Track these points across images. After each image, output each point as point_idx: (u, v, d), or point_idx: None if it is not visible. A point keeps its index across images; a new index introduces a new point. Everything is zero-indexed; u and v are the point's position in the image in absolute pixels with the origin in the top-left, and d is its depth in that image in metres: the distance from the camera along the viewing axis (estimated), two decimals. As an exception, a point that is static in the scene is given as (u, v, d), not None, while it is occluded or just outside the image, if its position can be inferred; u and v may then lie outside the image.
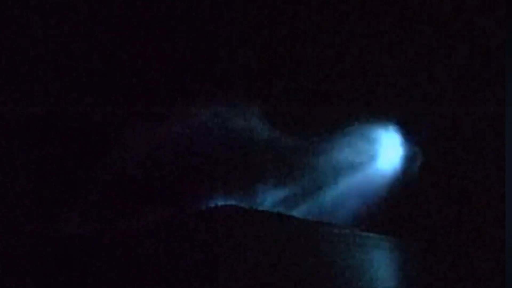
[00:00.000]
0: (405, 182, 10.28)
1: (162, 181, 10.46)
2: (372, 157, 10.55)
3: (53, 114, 10.50)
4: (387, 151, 10.56)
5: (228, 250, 8.74)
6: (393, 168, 10.43)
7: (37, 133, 10.40)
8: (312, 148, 10.51)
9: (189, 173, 10.48)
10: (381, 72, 10.67)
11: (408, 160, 10.42)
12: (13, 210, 9.74)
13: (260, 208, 10.52)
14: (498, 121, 9.48)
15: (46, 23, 10.73)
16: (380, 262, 8.79)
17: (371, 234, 9.75)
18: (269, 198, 10.58)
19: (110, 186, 10.36)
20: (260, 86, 10.79)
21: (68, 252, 8.93)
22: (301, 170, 10.54)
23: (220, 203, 10.43)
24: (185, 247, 8.89)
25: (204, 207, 10.37)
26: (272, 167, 10.56)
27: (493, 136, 9.83)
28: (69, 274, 8.03)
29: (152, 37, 10.85)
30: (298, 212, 10.55)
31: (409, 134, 10.47)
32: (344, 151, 10.50)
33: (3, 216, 9.65)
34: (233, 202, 10.47)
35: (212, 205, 10.41)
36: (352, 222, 10.29)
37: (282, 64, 10.90)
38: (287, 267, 8.22)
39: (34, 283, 7.80)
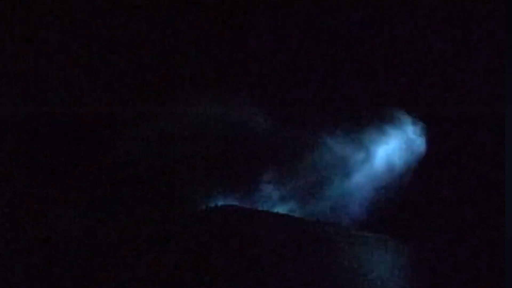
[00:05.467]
0: (406, 182, 10.29)
1: (162, 180, 10.45)
2: (373, 157, 10.55)
3: (51, 114, 10.50)
4: (388, 150, 10.56)
5: (228, 250, 8.73)
6: (394, 168, 10.44)
7: (34, 133, 10.40)
8: (313, 148, 10.50)
9: (189, 173, 10.48)
10: (383, 71, 10.68)
11: (409, 160, 10.42)
12: (9, 209, 9.73)
13: (260, 208, 10.51)
14: (498, 121, 9.49)
15: (46, 23, 10.74)
16: (381, 262, 8.78)
17: (371, 234, 9.75)
18: (270, 198, 10.58)
19: (109, 185, 10.35)
20: (261, 85, 10.80)
21: (67, 251, 8.91)
22: (301, 170, 10.53)
23: (220, 203, 10.42)
24: (185, 247, 8.87)
25: (204, 207, 10.37)
26: (272, 167, 10.56)
27: (493, 136, 9.84)
28: (66, 273, 8.02)
29: (152, 36, 10.87)
30: (298, 212, 10.55)
31: (410, 134, 10.47)
32: (345, 151, 10.50)
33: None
34: (233, 202, 10.46)
35: (212, 205, 10.40)
36: (353, 222, 10.29)
37: (283, 62, 10.92)
38: (288, 267, 8.21)
39: (28, 283, 7.79)
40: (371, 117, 10.44)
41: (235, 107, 10.52)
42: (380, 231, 9.84)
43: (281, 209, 10.55)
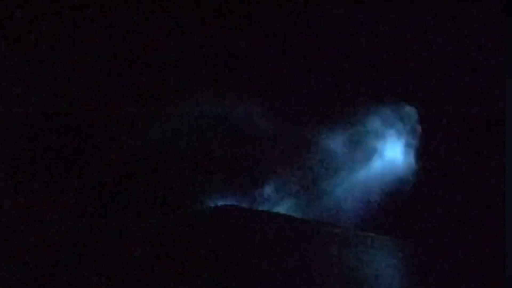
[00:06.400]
0: (406, 182, 10.28)
1: (161, 180, 10.44)
2: (374, 157, 10.54)
3: (50, 114, 10.49)
4: (389, 151, 10.55)
5: (228, 251, 8.73)
6: (394, 168, 10.43)
7: (33, 132, 10.39)
8: (313, 147, 10.50)
9: (188, 173, 10.46)
10: (383, 71, 10.68)
11: (409, 160, 10.42)
12: (9, 208, 9.72)
13: (260, 208, 10.50)
14: (498, 121, 9.50)
15: (45, 23, 10.72)
16: (381, 263, 8.79)
17: (371, 234, 9.75)
18: (269, 198, 10.56)
19: (109, 185, 10.34)
20: (260, 84, 10.79)
21: (66, 251, 8.91)
22: (301, 170, 10.52)
23: (220, 203, 10.41)
24: (185, 247, 8.87)
25: (203, 207, 10.35)
26: (272, 167, 10.55)
27: (493, 136, 9.84)
28: (65, 274, 8.02)
29: (152, 35, 10.86)
30: (298, 212, 10.54)
31: (411, 134, 10.47)
32: (346, 151, 10.49)
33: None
34: (233, 202, 10.45)
35: (212, 205, 10.38)
36: (353, 222, 10.28)
37: (282, 61, 10.91)
38: (288, 267, 8.22)
39: (27, 283, 7.79)
40: (372, 117, 10.44)
41: (235, 106, 10.51)
42: (380, 231, 9.84)
43: (281, 209, 10.53)
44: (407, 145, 10.49)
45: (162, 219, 9.93)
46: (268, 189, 10.59)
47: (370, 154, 10.56)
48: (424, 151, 10.38)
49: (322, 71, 10.87)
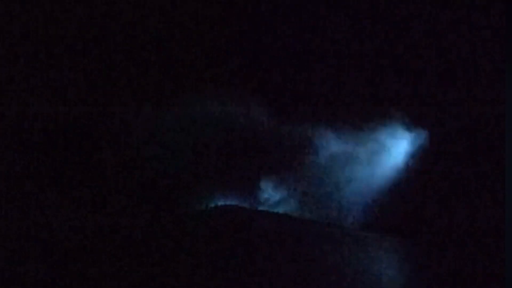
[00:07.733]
0: (406, 182, 10.30)
1: (162, 180, 10.46)
2: (375, 157, 10.55)
3: (51, 114, 10.51)
4: (390, 151, 10.56)
5: (227, 250, 8.74)
6: (395, 168, 10.44)
7: (34, 132, 10.41)
8: (314, 147, 10.51)
9: (189, 173, 10.48)
10: (385, 71, 10.71)
11: (410, 160, 10.43)
12: (12, 208, 9.73)
13: (260, 208, 10.51)
14: (498, 121, 9.52)
15: (45, 22, 10.75)
16: (381, 262, 8.80)
17: (371, 234, 9.76)
18: (270, 198, 10.58)
19: (110, 185, 10.35)
20: (263, 83, 10.81)
21: (66, 250, 8.91)
22: (302, 170, 10.53)
23: (220, 203, 10.42)
24: (185, 247, 8.88)
25: (204, 207, 10.37)
26: (272, 167, 10.56)
27: (493, 136, 9.86)
28: (67, 271, 8.02)
29: (153, 34, 10.87)
30: (298, 212, 10.56)
31: (411, 135, 10.49)
32: (346, 151, 10.50)
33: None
34: (233, 202, 10.46)
35: (212, 205, 10.40)
36: (353, 222, 10.30)
37: (285, 60, 10.93)
38: (287, 267, 8.22)
39: (29, 279, 7.79)
40: (374, 117, 10.45)
41: (236, 106, 10.53)
42: (380, 231, 9.86)
43: (281, 209, 10.55)
44: (408, 146, 10.51)
45: (163, 218, 9.95)
46: (269, 189, 10.60)
47: (371, 155, 10.58)
48: (424, 152, 10.39)
49: (323, 72, 10.89)
